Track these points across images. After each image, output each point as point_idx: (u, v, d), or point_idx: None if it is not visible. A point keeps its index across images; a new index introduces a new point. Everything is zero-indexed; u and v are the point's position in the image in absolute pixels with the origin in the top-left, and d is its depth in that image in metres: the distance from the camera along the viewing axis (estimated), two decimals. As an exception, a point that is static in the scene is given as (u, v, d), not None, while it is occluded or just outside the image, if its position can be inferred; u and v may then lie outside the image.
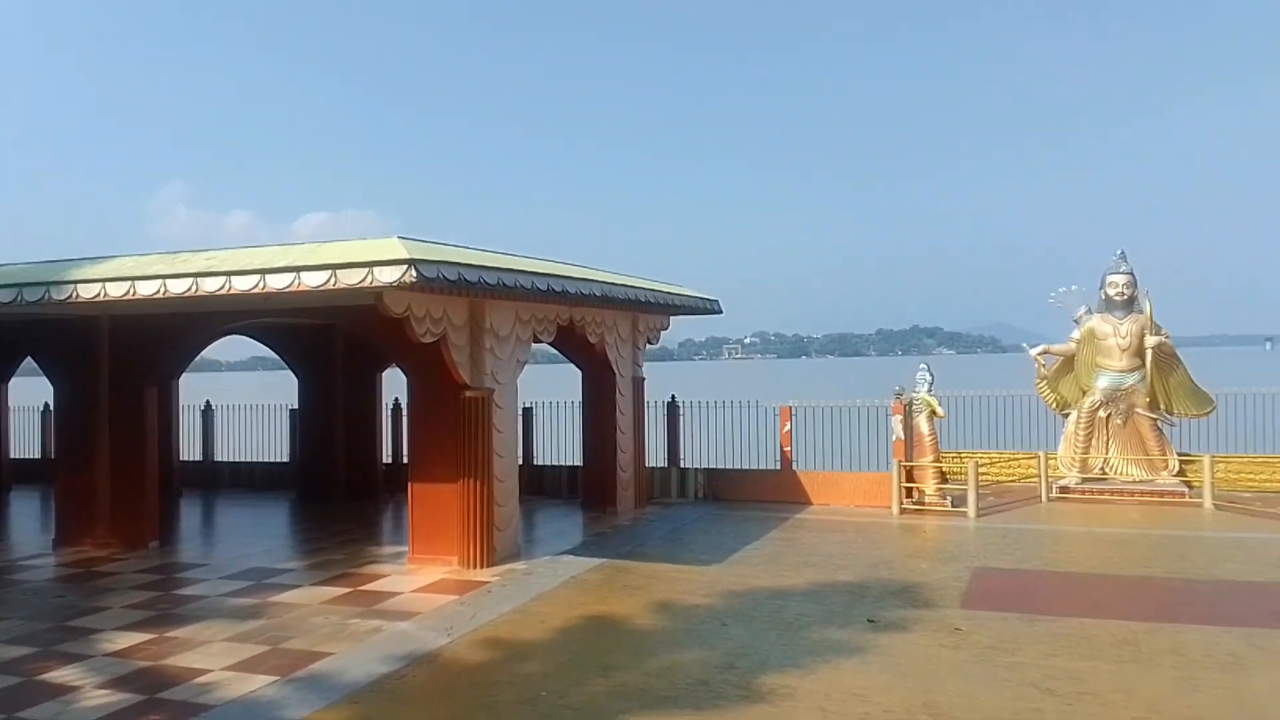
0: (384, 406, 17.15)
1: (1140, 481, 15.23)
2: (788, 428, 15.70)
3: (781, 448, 15.79)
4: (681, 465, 16.31)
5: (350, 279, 8.50)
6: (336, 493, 16.22)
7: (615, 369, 14.28)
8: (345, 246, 9.15)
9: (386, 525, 14.46)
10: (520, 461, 13.72)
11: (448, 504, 10.85)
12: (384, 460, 17.10)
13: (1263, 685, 6.70)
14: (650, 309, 14.22)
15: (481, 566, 10.75)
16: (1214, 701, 6.41)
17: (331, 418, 16.42)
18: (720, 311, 15.68)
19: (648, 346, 15.61)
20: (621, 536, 12.86)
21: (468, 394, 10.77)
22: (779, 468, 15.75)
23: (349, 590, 9.97)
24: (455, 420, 10.78)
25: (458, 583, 10.22)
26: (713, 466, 16.32)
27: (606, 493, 14.54)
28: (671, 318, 15.92)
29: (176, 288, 9.21)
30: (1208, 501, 14.00)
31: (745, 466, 16.35)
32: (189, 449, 18.80)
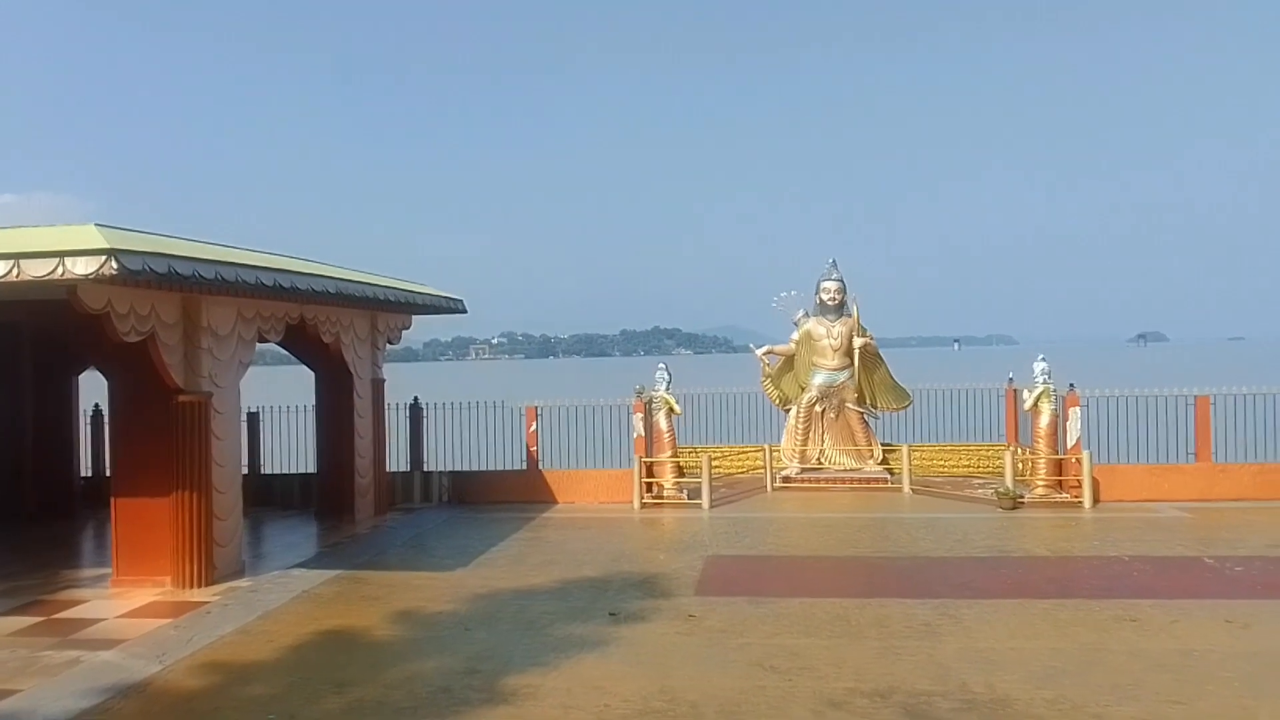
0: (82, 413, 15.39)
1: (851, 470, 16.71)
2: (534, 427, 15.76)
3: (528, 448, 15.82)
4: (425, 469, 15.90)
5: (37, 270, 7.51)
6: (25, 511, 14.32)
7: (353, 370, 13.66)
8: (32, 233, 8.10)
9: (87, 545, 12.98)
10: (245, 471, 12.82)
11: (159, 520, 9.89)
12: (82, 474, 15.33)
13: (951, 649, 7.53)
14: (390, 308, 13.75)
15: (200, 586, 9.90)
16: (912, 666, 7.12)
17: (17, 427, 14.48)
18: (465, 311, 15.45)
19: (389, 347, 15.08)
20: (360, 546, 12.33)
21: (182, 399, 9.87)
22: (525, 468, 15.77)
23: (41, 619, 8.84)
24: (167, 428, 9.85)
25: (172, 605, 9.34)
26: (458, 469, 16.06)
27: (344, 501, 13.89)
28: (415, 317, 15.48)
29: None
30: (906, 486, 15.60)
31: (491, 468, 16.22)
32: None
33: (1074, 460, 14.37)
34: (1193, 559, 10.51)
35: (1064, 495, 14.39)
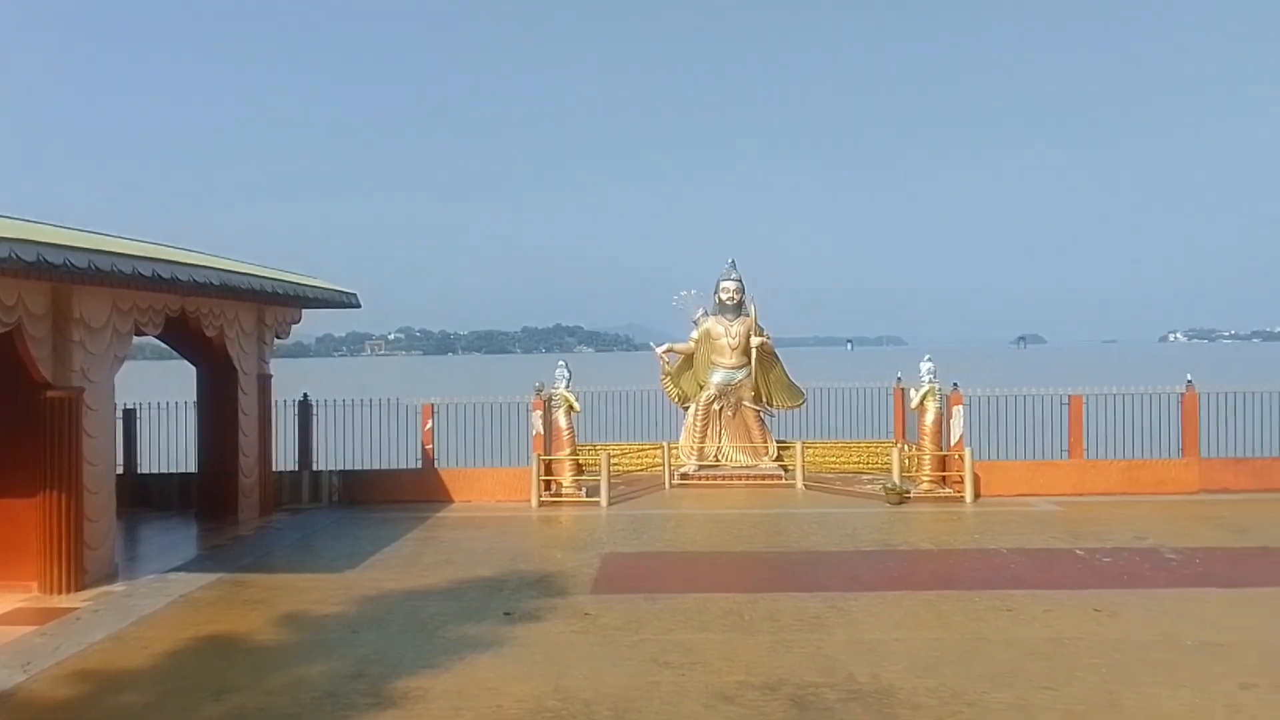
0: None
1: (747, 466, 16.98)
2: (429, 425, 15.48)
3: (423, 446, 15.53)
4: (314, 468, 15.44)
5: (-116, 255, 6.98)
6: None
7: (238, 365, 13.14)
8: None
9: (-58, 551, 12.11)
10: (120, 470, 12.22)
11: (23, 521, 9.35)
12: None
13: (839, 640, 7.73)
14: (278, 301, 13.29)
15: (69, 591, 9.38)
16: (802, 658, 7.28)
17: None
18: (358, 305, 15.06)
19: (277, 341, 14.58)
20: (244, 548, 11.90)
21: (51, 394, 9.33)
22: (420, 466, 15.48)
23: (-116, 633, 8.22)
24: (34, 424, 9.30)
25: (38, 611, 8.84)
26: (349, 468, 15.64)
27: (227, 501, 13.35)
28: (306, 311, 15.01)
29: None
30: (800, 482, 15.95)
31: (385, 466, 15.86)
32: None
33: (957, 457, 14.94)
34: (1065, 551, 11.06)
35: (947, 490, 14.96)
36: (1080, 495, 14.63)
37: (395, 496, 14.99)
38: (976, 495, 14.54)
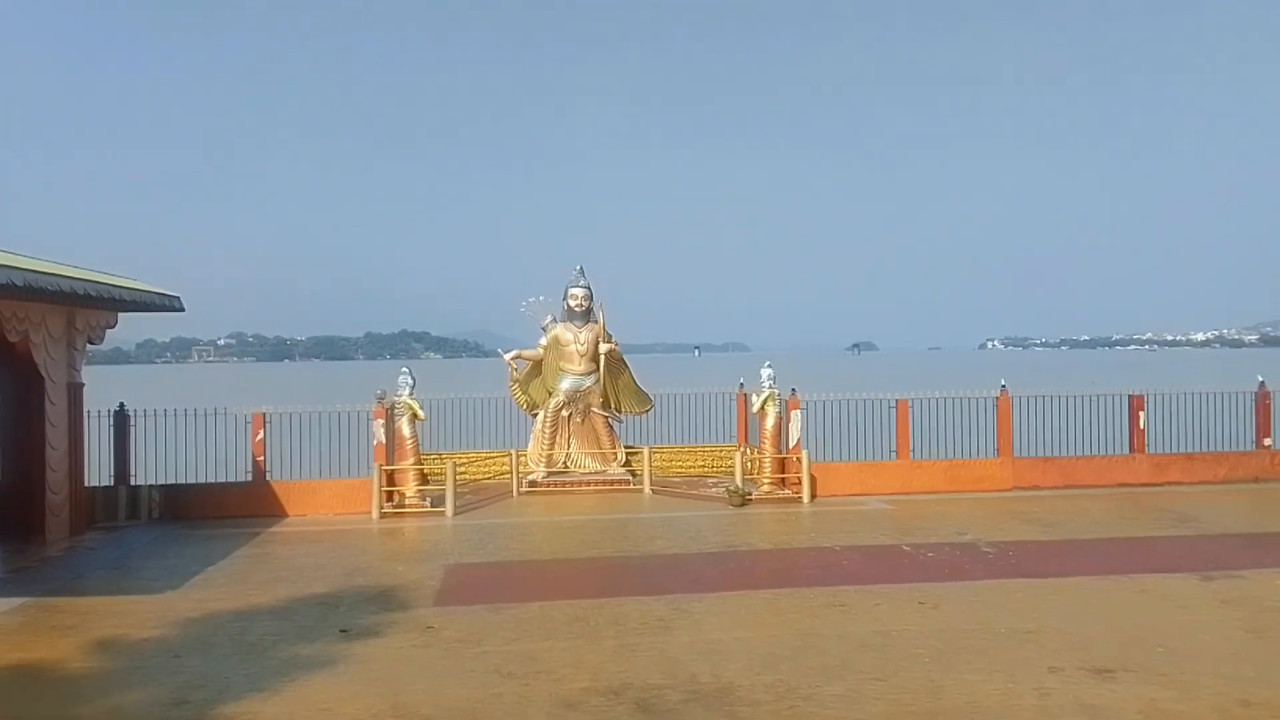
0: None
1: (596, 473, 17.05)
2: (261, 436, 14.74)
3: (254, 457, 14.77)
4: (132, 483, 14.42)
5: None
6: None
7: (44, 373, 12.12)
8: None
9: None
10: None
11: None
12: None
13: (683, 642, 7.86)
14: (91, 304, 12.34)
15: None
16: (646, 662, 7.36)
17: None
18: (181, 309, 14.16)
19: (91, 347, 13.54)
20: (52, 569, 10.99)
21: None
22: (251, 479, 14.72)
23: None
24: None
25: None
26: (172, 482, 14.70)
27: (33, 520, 12.30)
28: (124, 315, 13.99)
29: None
30: (647, 487, 16.14)
31: (212, 480, 14.98)
32: None
33: (795, 459, 15.50)
34: (893, 547, 11.65)
35: (786, 491, 15.49)
36: (907, 494, 15.46)
37: (223, 512, 14.19)
38: (813, 496, 15.12)
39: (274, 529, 13.37)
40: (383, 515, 14.15)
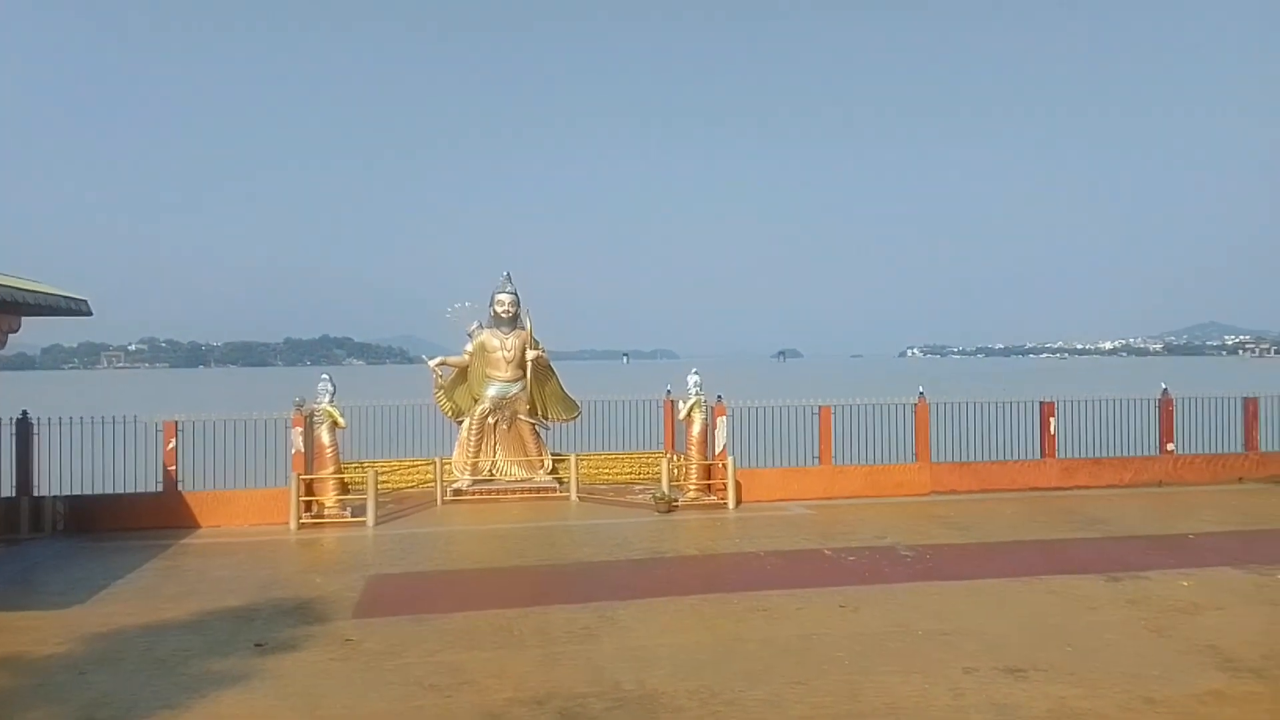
0: None
1: (522, 480, 16.92)
2: (172, 445, 14.25)
3: (166, 467, 14.27)
4: (35, 494, 13.80)
5: None
6: None
7: (-62, 380, 11.51)
8: None
9: None
10: None
11: None
12: None
13: (608, 650, 7.84)
14: (-9, 307, 11.75)
15: None
16: (571, 670, 7.32)
17: None
18: (89, 313, 13.57)
19: (-11, 353, 12.90)
20: (-56, 586, 10.43)
21: None
22: (162, 490, 14.22)
23: None
24: None
25: None
26: (79, 493, 14.10)
27: (-77, 534, 11.66)
28: (27, 319, 13.36)
29: None
30: (574, 494, 16.09)
31: (121, 491, 14.41)
32: None
33: (720, 465, 15.63)
34: (815, 551, 11.82)
35: (712, 498, 15.61)
36: (830, 499, 15.73)
37: (132, 524, 13.69)
38: (738, 501, 15.26)
39: (186, 541, 12.94)
40: (301, 526, 13.81)
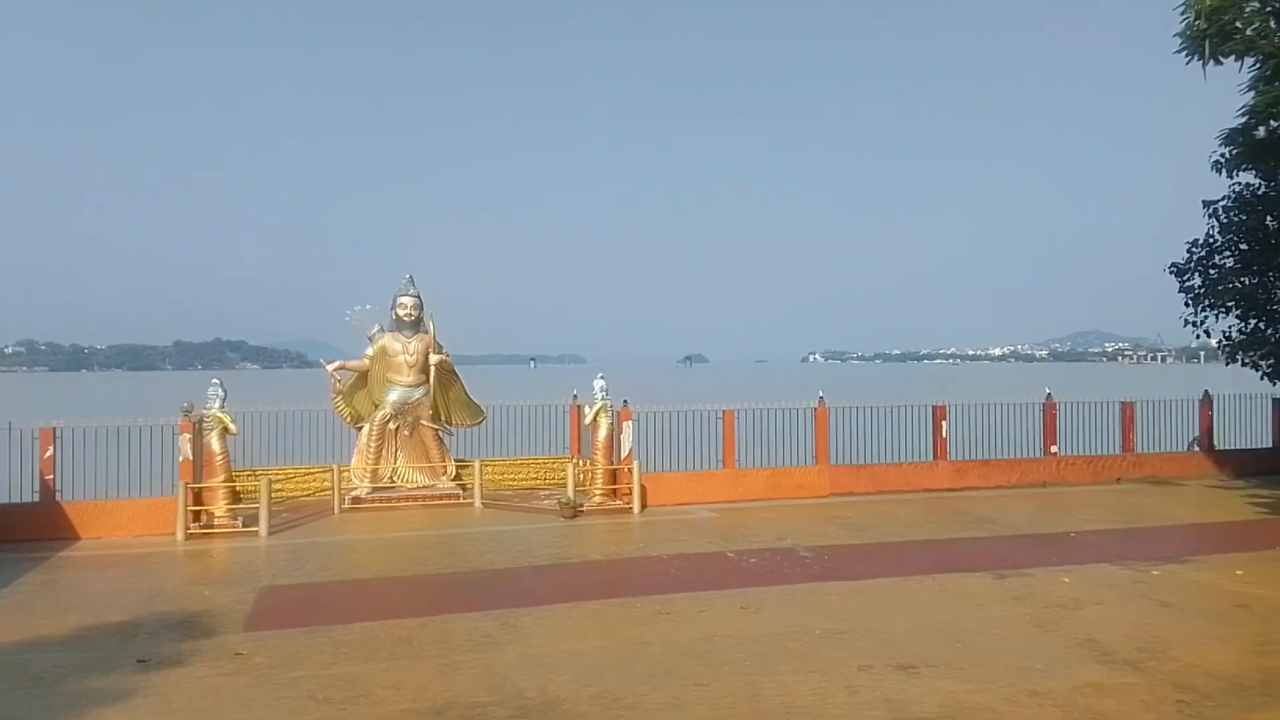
0: None
1: (424, 487, 16.61)
2: (50, 453, 13.51)
3: (43, 475, 13.52)
4: (-107, 506, 12.89)
5: None
6: None
7: None
8: None
9: None
10: None
11: None
12: None
13: (510, 658, 7.76)
14: None
15: None
16: (471, 679, 7.21)
17: None
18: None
19: None
20: None
21: None
22: (38, 499, 13.46)
23: None
24: None
25: None
26: (-57, 504, 13.24)
27: None
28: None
29: None
30: (478, 501, 15.88)
31: (-9, 501, 13.60)
32: None
33: (626, 470, 15.67)
34: (718, 554, 11.96)
35: (618, 502, 15.63)
36: (733, 502, 15.93)
37: (5, 535, 12.91)
38: (644, 505, 15.33)
39: (65, 553, 12.28)
40: (189, 536, 13.26)
